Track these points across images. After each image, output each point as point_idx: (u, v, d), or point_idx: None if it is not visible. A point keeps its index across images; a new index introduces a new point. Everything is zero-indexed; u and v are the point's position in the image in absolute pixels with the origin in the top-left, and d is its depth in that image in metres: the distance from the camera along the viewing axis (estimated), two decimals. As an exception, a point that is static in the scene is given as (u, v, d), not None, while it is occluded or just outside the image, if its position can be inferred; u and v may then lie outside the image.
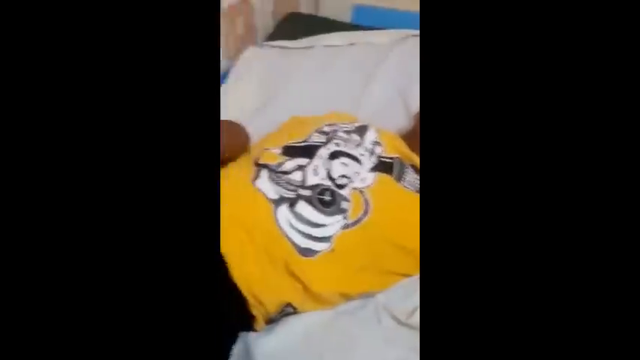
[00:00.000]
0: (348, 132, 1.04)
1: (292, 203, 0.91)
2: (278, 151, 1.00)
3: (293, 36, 1.66)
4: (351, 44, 1.60)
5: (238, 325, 0.89)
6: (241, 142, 1.05)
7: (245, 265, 0.87)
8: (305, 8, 1.87)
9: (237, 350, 0.89)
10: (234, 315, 0.87)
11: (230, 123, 1.07)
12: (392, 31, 1.62)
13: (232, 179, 0.94)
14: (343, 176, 0.94)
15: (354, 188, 0.93)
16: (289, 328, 0.91)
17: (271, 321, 0.91)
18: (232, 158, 1.01)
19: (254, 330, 0.90)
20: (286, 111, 1.30)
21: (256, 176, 0.94)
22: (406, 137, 1.11)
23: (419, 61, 0.59)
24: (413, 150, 1.05)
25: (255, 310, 0.88)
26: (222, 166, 0.99)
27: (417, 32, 1.57)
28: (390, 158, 0.99)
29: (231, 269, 0.86)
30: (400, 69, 1.47)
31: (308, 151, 0.99)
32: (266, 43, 1.66)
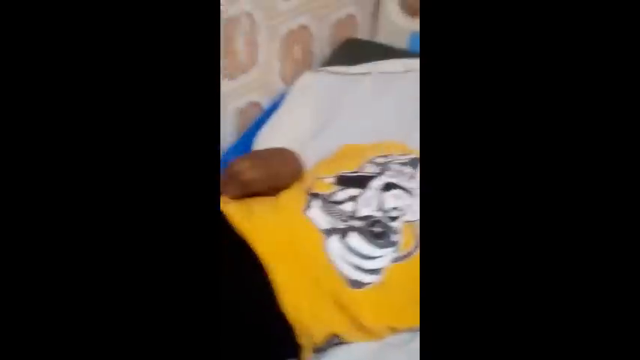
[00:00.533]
0: (401, 164, 1.04)
1: (343, 234, 0.91)
2: (331, 180, 1.01)
3: (349, 62, 1.67)
4: (407, 71, 1.60)
5: (285, 353, 0.89)
6: (295, 169, 1.06)
7: (294, 295, 0.87)
8: (362, 34, 1.88)
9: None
10: (282, 342, 0.88)
11: (284, 150, 1.09)
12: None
13: (284, 208, 0.95)
14: (395, 209, 0.94)
15: (406, 221, 0.93)
16: (337, 358, 0.91)
17: (318, 350, 0.91)
18: (286, 186, 1.02)
19: (300, 359, 0.90)
20: (340, 138, 1.31)
21: (308, 205, 0.95)
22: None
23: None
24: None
25: (303, 340, 0.88)
26: (276, 194, 1.01)
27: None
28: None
29: (281, 298, 0.87)
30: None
31: (361, 181, 0.99)
32: (322, 68, 1.68)
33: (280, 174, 1.01)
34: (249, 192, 0.99)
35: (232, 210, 0.95)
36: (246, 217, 0.93)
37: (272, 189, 1.00)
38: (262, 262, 0.88)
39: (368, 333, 0.90)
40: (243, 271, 0.88)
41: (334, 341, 0.91)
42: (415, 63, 1.62)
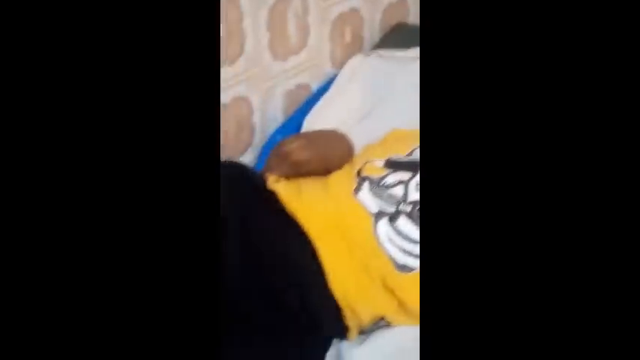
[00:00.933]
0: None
1: (393, 218, 0.91)
2: (381, 163, 1.01)
3: (399, 46, 1.65)
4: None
5: (332, 332, 0.90)
6: (345, 152, 1.06)
7: (342, 276, 0.88)
8: (413, 19, 1.86)
9: (329, 357, 0.91)
10: (330, 322, 0.89)
11: (335, 132, 1.09)
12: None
13: (334, 189, 0.96)
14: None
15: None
16: (382, 341, 0.91)
17: (363, 332, 0.92)
18: (336, 168, 1.02)
19: (347, 339, 0.91)
20: (389, 122, 1.30)
21: (358, 188, 0.95)
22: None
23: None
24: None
25: (350, 321, 0.89)
26: (326, 175, 1.01)
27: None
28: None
29: (330, 279, 0.87)
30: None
31: (411, 166, 0.99)
32: (372, 52, 1.67)
33: (330, 156, 1.02)
34: (298, 172, 0.99)
35: (282, 189, 0.96)
36: (295, 196, 0.94)
37: (322, 170, 1.01)
38: (312, 242, 0.89)
39: (414, 317, 0.90)
40: (293, 249, 0.88)
41: (380, 324, 0.91)
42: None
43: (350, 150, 1.09)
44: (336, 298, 0.88)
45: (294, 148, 0.98)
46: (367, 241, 0.90)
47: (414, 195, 0.93)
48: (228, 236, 0.85)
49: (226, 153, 1.46)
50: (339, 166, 1.04)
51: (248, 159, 1.54)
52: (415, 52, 1.60)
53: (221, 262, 0.56)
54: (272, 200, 0.95)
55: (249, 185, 0.99)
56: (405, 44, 1.65)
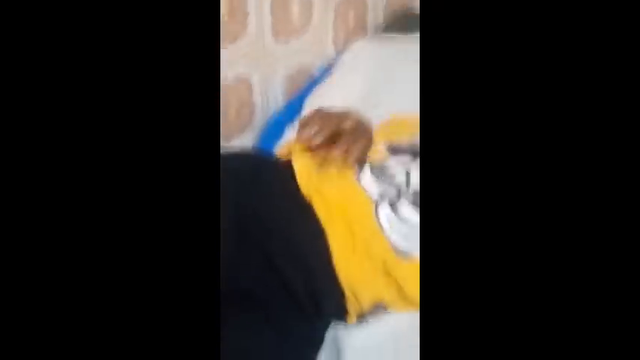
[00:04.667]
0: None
1: (394, 203, 0.91)
2: (383, 148, 1.00)
3: (403, 31, 1.65)
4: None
5: (334, 316, 0.90)
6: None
7: (346, 260, 0.88)
8: (417, 3, 1.85)
9: (326, 339, 0.91)
10: (334, 305, 0.88)
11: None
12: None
13: (337, 173, 0.95)
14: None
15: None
16: (380, 326, 0.91)
17: (362, 317, 0.92)
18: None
19: (346, 323, 0.91)
20: (391, 106, 1.29)
21: (360, 172, 0.94)
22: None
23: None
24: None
25: (350, 305, 0.89)
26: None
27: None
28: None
29: (335, 261, 0.87)
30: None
31: (413, 151, 0.98)
32: (375, 36, 1.66)
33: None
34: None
35: (299, 165, 0.94)
36: (309, 175, 0.93)
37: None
38: (320, 223, 0.88)
39: (412, 303, 0.90)
40: (301, 230, 0.88)
41: (380, 309, 0.91)
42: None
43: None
44: (339, 281, 0.87)
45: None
46: (368, 225, 0.89)
47: (415, 180, 0.93)
48: (235, 215, 0.84)
49: (226, 133, 1.45)
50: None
51: (248, 139, 1.53)
52: (417, 38, 1.60)
53: (219, 241, 0.55)
54: (285, 178, 0.94)
55: (261, 164, 0.99)
56: (408, 29, 1.65)
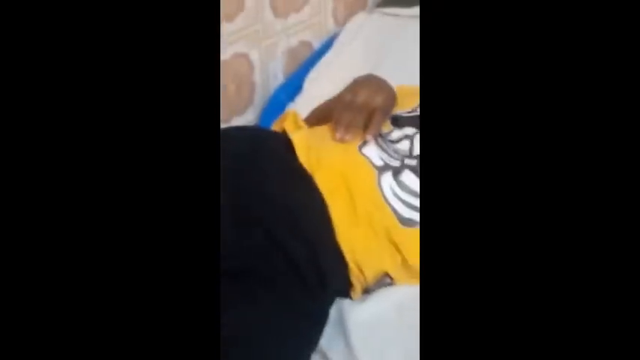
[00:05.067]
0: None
1: (397, 172, 0.89)
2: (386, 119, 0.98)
3: (403, 4, 1.62)
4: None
5: (338, 290, 0.88)
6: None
7: (349, 231, 0.86)
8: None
9: (331, 315, 0.90)
10: (337, 279, 0.87)
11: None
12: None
13: (340, 144, 0.93)
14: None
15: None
16: (383, 298, 0.90)
17: (367, 291, 0.91)
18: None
19: (350, 298, 0.89)
20: (393, 79, 1.27)
21: (364, 143, 0.93)
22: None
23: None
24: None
25: (355, 279, 0.87)
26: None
27: None
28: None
29: (338, 233, 0.85)
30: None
31: (416, 121, 0.96)
32: (375, 9, 1.63)
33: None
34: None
35: (298, 139, 0.93)
36: (307, 147, 0.91)
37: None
38: (321, 195, 0.87)
39: (416, 274, 0.88)
40: (302, 203, 0.86)
41: (384, 281, 0.90)
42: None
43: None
44: (343, 254, 0.86)
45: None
46: (371, 194, 0.87)
47: (418, 149, 0.91)
48: (234, 190, 0.83)
49: (227, 111, 1.43)
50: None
51: (250, 117, 1.51)
52: (419, 9, 1.57)
53: (218, 217, 0.54)
54: (283, 152, 0.92)
55: (259, 138, 0.97)
56: (408, 2, 1.62)
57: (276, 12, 1.49)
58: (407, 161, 0.90)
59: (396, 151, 0.92)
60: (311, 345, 0.84)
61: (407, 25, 1.54)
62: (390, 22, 1.56)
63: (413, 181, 0.88)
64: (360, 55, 1.49)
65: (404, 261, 0.88)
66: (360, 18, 1.58)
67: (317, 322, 0.85)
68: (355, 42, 1.52)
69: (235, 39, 1.44)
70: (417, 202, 0.87)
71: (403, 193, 0.88)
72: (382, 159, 0.90)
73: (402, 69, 1.39)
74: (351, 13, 1.61)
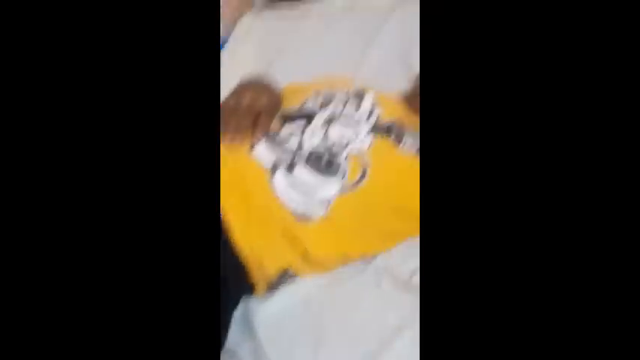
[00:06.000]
0: (345, 97, 1.02)
1: (289, 168, 0.90)
2: (276, 118, 0.99)
3: (292, 1, 1.63)
4: (351, 8, 1.58)
5: (240, 291, 0.89)
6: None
7: (245, 233, 0.86)
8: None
9: (237, 315, 0.90)
10: (237, 280, 0.87)
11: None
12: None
13: (229, 149, 0.93)
14: (340, 140, 0.93)
15: (352, 152, 0.92)
16: (289, 293, 0.91)
17: (271, 287, 0.91)
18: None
19: (255, 296, 0.90)
20: (284, 78, 1.28)
21: (253, 144, 0.93)
22: (406, 99, 1.09)
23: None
24: (413, 112, 1.03)
25: (256, 276, 0.88)
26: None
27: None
28: (389, 122, 0.98)
29: (233, 235, 0.86)
30: (401, 31, 1.45)
31: (305, 116, 0.98)
32: (264, 8, 1.64)
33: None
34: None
35: None
36: None
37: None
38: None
39: (319, 265, 0.90)
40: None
41: (287, 276, 0.91)
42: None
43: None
44: (240, 255, 0.86)
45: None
46: (265, 194, 0.88)
47: (309, 143, 0.92)
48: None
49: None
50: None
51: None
52: (307, 7, 1.59)
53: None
54: None
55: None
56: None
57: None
58: (298, 156, 0.91)
59: (286, 148, 0.93)
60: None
61: (293, 22, 1.56)
62: (277, 20, 1.58)
63: (305, 175, 0.89)
64: (251, 57, 1.49)
65: (305, 254, 0.89)
66: (248, 18, 1.59)
67: (221, 325, 0.85)
68: (245, 44, 1.53)
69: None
70: (310, 196, 0.88)
71: (297, 189, 0.89)
72: (273, 158, 0.91)
73: (292, 67, 1.41)
74: (239, 15, 1.61)
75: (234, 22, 1.58)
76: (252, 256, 0.87)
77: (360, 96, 1.03)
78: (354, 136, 0.94)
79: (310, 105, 1.01)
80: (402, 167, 0.93)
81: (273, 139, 0.94)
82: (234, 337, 0.87)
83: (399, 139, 0.95)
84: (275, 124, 0.97)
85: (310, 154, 0.91)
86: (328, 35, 1.48)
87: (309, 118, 0.97)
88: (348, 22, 1.52)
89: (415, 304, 0.86)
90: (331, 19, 1.54)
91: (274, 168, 0.90)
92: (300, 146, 0.93)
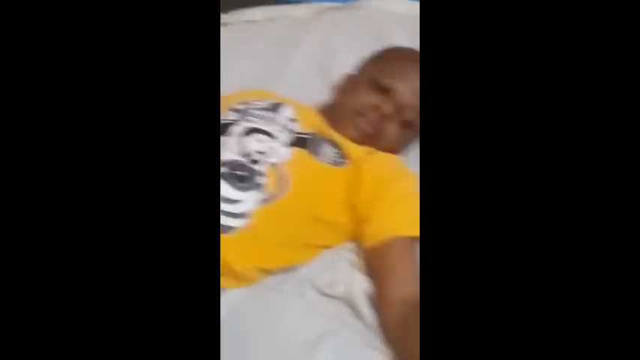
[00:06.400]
0: (261, 109, 1.03)
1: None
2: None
3: (241, 6, 1.62)
4: (270, 19, 1.58)
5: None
6: None
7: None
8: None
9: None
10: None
11: None
12: (313, 3, 1.60)
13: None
14: (258, 152, 0.94)
15: (270, 163, 0.93)
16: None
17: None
18: None
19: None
20: (235, 83, 1.27)
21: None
22: (325, 111, 1.11)
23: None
24: (331, 124, 1.05)
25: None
26: None
27: (339, 5, 1.56)
28: (306, 134, 0.99)
29: None
30: (320, 43, 1.46)
31: (221, 128, 0.98)
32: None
33: None
34: None
35: None
36: None
37: None
38: None
39: (240, 278, 0.90)
40: None
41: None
42: (279, 10, 1.60)
43: None
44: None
45: None
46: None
47: (227, 155, 0.92)
48: None
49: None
50: None
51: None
52: (226, 18, 1.57)
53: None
54: None
55: None
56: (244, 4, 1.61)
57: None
58: (224, 169, 0.91)
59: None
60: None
61: (250, 27, 1.54)
62: (233, 25, 1.56)
63: (223, 187, 0.89)
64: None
65: (225, 267, 0.89)
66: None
67: None
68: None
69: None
70: (229, 208, 0.88)
71: (222, 203, 0.88)
72: None
73: (245, 72, 1.38)
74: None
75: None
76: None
77: (276, 109, 1.04)
78: (271, 149, 0.95)
79: (227, 118, 1.01)
80: (320, 178, 0.94)
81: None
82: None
83: (316, 151, 0.96)
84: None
85: (227, 166, 0.91)
86: (248, 47, 1.48)
87: (225, 131, 0.97)
88: (268, 33, 1.52)
89: (338, 311, 0.88)
90: (251, 30, 1.54)
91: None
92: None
